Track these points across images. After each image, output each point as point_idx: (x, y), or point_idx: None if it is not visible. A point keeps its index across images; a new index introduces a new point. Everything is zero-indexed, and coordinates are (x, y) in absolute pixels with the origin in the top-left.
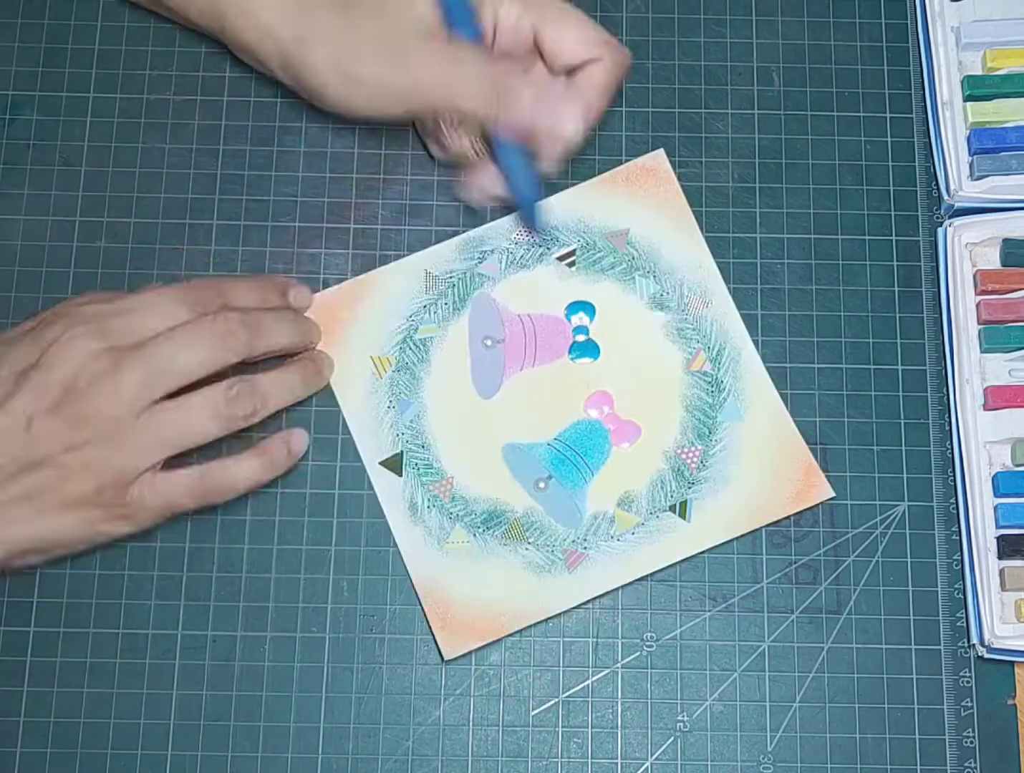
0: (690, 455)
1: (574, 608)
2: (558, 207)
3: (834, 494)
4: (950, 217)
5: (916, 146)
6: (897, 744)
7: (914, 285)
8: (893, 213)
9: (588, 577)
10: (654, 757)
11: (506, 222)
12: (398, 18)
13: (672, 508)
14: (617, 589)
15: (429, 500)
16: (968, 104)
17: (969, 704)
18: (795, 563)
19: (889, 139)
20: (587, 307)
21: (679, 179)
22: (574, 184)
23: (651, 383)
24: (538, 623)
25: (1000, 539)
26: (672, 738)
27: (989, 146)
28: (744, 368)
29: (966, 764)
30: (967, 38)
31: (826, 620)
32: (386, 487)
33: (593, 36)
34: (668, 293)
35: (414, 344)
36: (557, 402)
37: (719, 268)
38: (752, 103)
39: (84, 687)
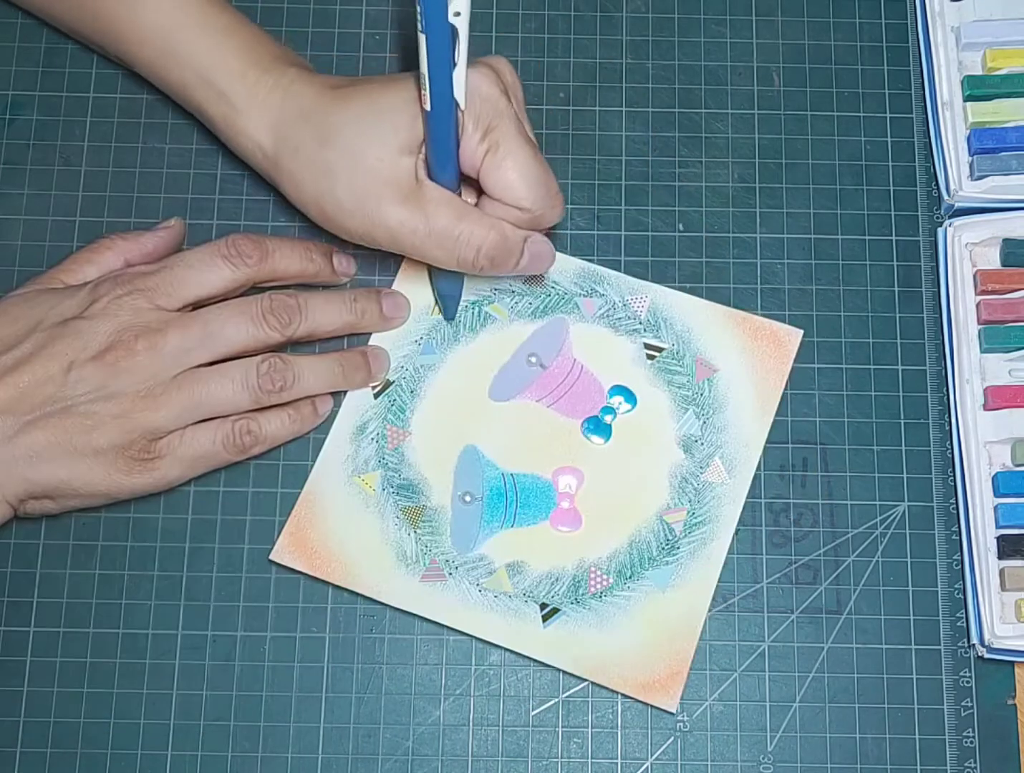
0: (596, 580)
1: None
2: (686, 304)
3: (674, 712)
4: (950, 217)
5: (916, 146)
6: (897, 744)
7: (914, 285)
8: (893, 213)
9: (432, 597)
10: (654, 757)
11: (634, 281)
12: (369, 169)
13: (543, 606)
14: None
15: (377, 435)
16: (968, 104)
17: (969, 704)
18: (795, 563)
19: (889, 139)
20: (630, 398)
21: (678, 179)
22: (710, 291)
23: (622, 500)
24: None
25: (1000, 539)
26: (672, 738)
27: (989, 146)
28: (707, 553)
29: (966, 764)
30: (967, 38)
31: (826, 620)
32: (351, 403)
33: (534, 179)
34: (702, 445)
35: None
36: (539, 448)
37: (719, 267)
38: (752, 103)
39: (84, 687)
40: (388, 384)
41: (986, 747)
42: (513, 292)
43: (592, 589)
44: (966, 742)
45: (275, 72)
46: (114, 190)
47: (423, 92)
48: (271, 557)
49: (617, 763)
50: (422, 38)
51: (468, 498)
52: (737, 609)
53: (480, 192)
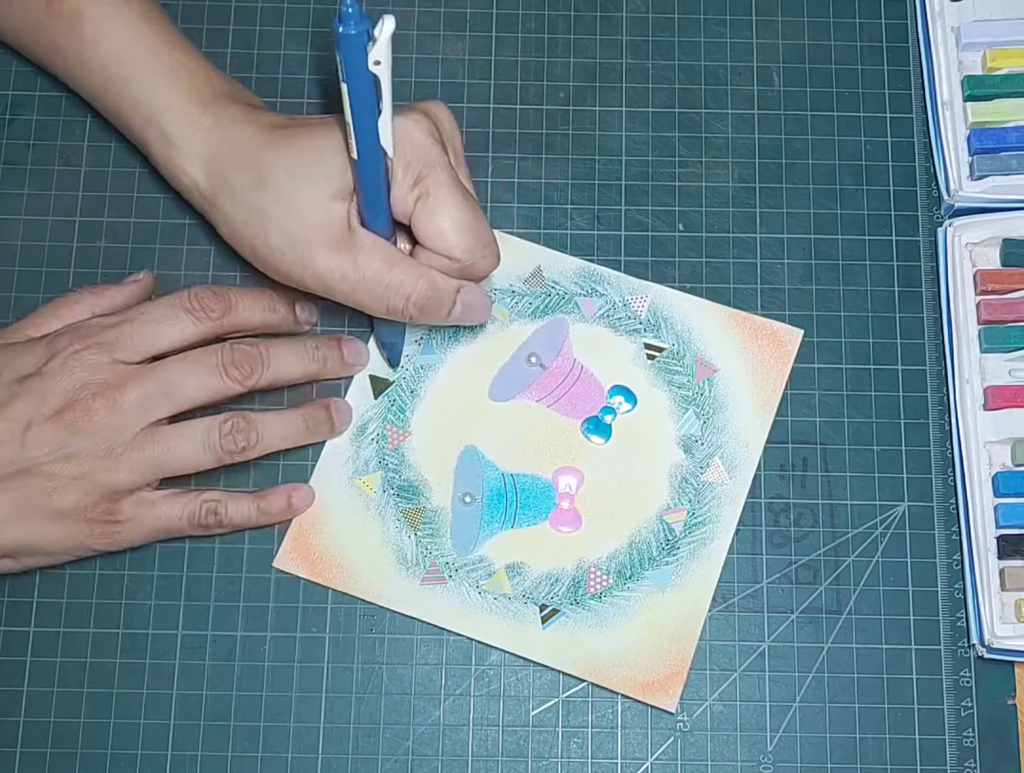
0: (596, 581)
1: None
2: (686, 304)
3: (673, 712)
4: (950, 217)
5: (916, 146)
6: (897, 744)
7: (914, 285)
8: (893, 213)
9: (432, 600)
10: (654, 757)
11: (634, 281)
12: (300, 213)
13: (542, 608)
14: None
15: (377, 435)
16: (968, 104)
17: (969, 704)
18: (795, 563)
19: (889, 139)
20: (630, 397)
21: (678, 179)
22: (710, 291)
23: (622, 499)
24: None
25: (1000, 539)
26: (672, 738)
27: (989, 146)
28: (707, 553)
29: (966, 764)
30: (967, 38)
31: (826, 620)
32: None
33: (464, 227)
34: (702, 445)
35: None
36: (539, 448)
37: (719, 267)
38: (752, 103)
39: (84, 687)
40: (388, 384)
41: (986, 747)
42: (513, 292)
43: (592, 590)
44: (966, 742)
45: (215, 110)
46: (114, 190)
47: (349, 141)
48: (275, 564)
49: (617, 763)
50: (344, 87)
51: (468, 499)
52: (737, 609)
53: (415, 240)
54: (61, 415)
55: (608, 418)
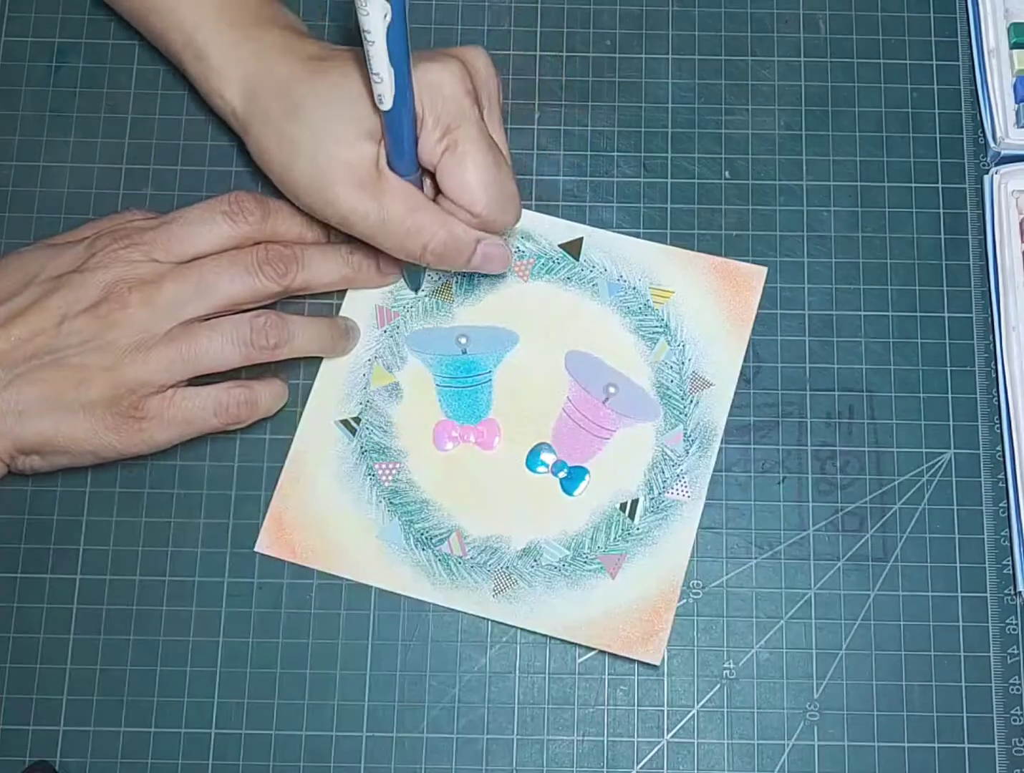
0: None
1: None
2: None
3: (657, 664)
4: (996, 164)
5: (962, 94)
6: (943, 691)
7: (960, 233)
8: (939, 161)
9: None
10: (700, 704)
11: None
12: (330, 150)
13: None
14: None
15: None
16: (1015, 52)
17: (1015, 652)
18: (841, 510)
19: (935, 87)
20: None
21: (724, 126)
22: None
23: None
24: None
25: None
26: (718, 686)
27: None
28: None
29: (1012, 711)
30: None
31: (872, 568)
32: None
33: (489, 182)
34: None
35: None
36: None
37: (765, 215)
38: (798, 51)
39: (130, 635)
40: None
41: None
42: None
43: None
44: (1012, 689)
45: (254, 35)
46: (160, 137)
47: (375, 89)
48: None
49: (663, 710)
50: (367, 39)
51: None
52: (784, 556)
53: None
54: (96, 307)
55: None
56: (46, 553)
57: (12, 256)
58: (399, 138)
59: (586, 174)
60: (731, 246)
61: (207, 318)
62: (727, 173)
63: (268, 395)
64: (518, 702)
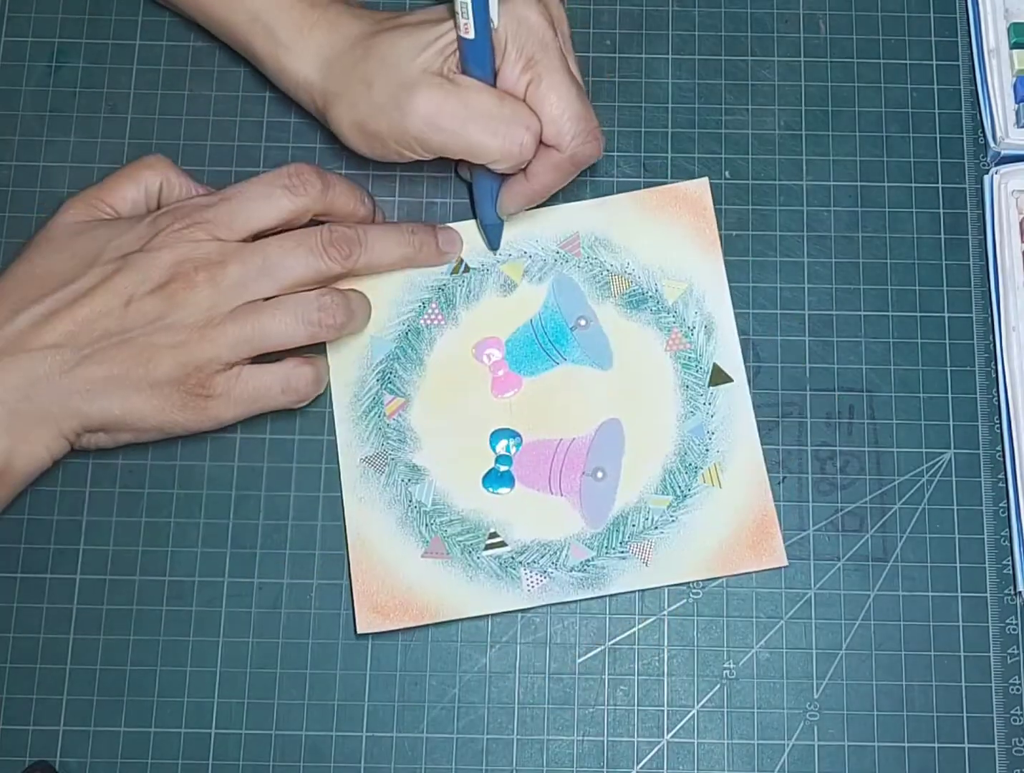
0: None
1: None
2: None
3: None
4: (996, 164)
5: (962, 93)
6: (943, 691)
7: (960, 232)
8: (939, 160)
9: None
10: (700, 704)
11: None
12: (404, 67)
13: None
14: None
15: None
16: (1015, 51)
17: (1015, 652)
18: (841, 511)
19: (935, 86)
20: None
21: (724, 126)
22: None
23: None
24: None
25: None
26: (718, 686)
27: None
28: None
29: (1012, 711)
30: None
31: (872, 568)
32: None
33: (575, 114)
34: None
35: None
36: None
37: (765, 215)
38: (798, 50)
39: (130, 634)
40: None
41: None
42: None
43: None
44: (1012, 689)
45: (320, 7)
46: (160, 138)
47: (463, 21)
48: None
49: (663, 710)
50: None
51: (584, 322)
52: (784, 555)
53: None
54: (163, 288)
55: (504, 467)
56: (46, 553)
57: (63, 229)
58: (482, 67)
59: (586, 174)
60: (731, 246)
61: (272, 298)
62: (727, 173)
63: (327, 371)
64: (518, 702)
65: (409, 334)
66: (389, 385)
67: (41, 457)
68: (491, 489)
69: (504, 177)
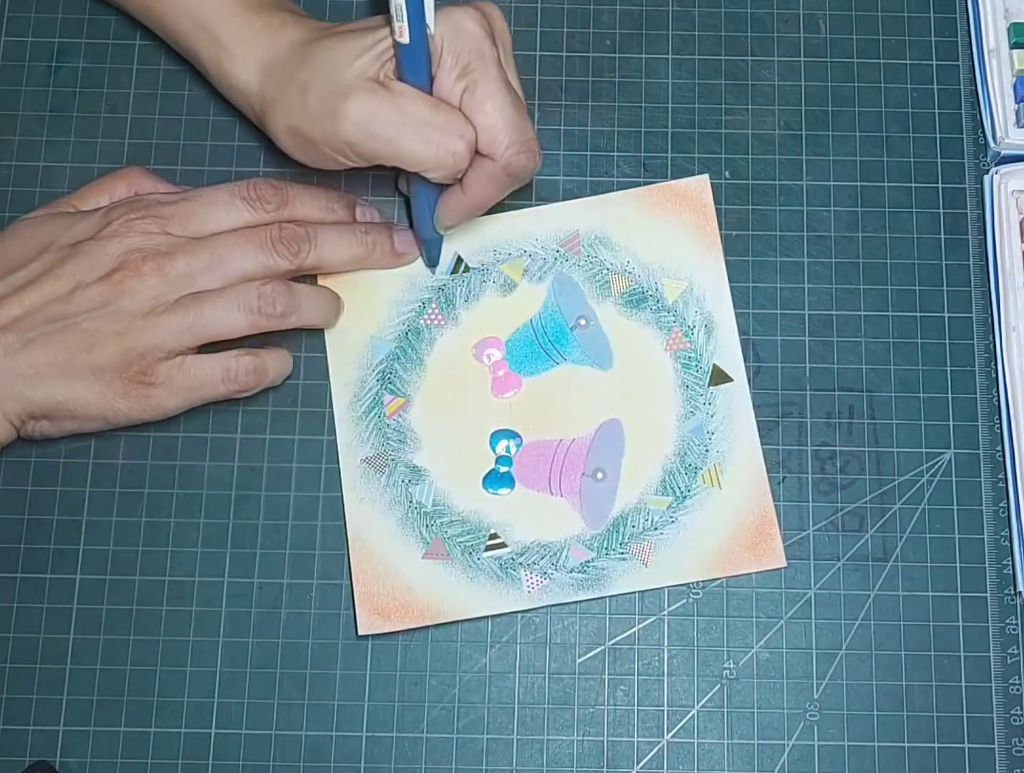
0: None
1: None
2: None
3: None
4: (996, 164)
5: (962, 94)
6: (943, 691)
7: (960, 233)
8: (939, 160)
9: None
10: (700, 704)
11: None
12: (339, 73)
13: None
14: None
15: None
16: (1014, 51)
17: (1015, 652)
18: (841, 511)
19: (935, 87)
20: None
21: (724, 126)
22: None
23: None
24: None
25: None
26: (718, 686)
27: None
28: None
29: (1012, 711)
30: None
31: (872, 568)
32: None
33: (509, 123)
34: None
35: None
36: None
37: (765, 215)
38: (798, 50)
39: (130, 635)
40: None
41: None
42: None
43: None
44: (1012, 689)
45: (265, 16)
46: (160, 138)
47: (398, 24)
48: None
49: (663, 710)
50: None
51: (584, 322)
52: (784, 556)
53: None
54: (110, 276)
55: (504, 468)
56: (46, 553)
57: (25, 222)
58: (418, 73)
59: (586, 174)
60: (731, 246)
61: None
62: (727, 173)
63: (275, 364)
64: (518, 702)
65: (409, 334)
66: (389, 385)
67: None
68: (491, 490)
69: (441, 190)
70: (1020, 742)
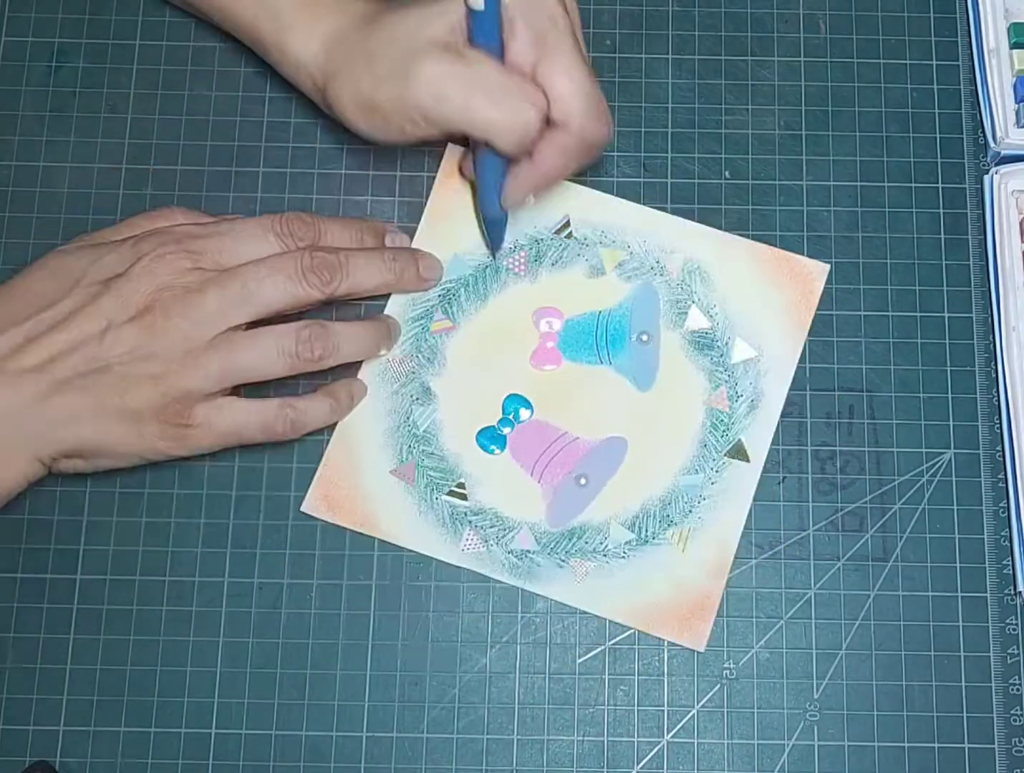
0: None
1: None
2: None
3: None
4: (996, 164)
5: (962, 94)
6: (943, 691)
7: (960, 233)
8: (939, 160)
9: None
10: (700, 705)
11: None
12: (410, 39)
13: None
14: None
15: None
16: (1014, 51)
17: (1015, 651)
18: (842, 510)
19: (935, 87)
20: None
21: (724, 126)
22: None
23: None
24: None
25: None
26: (718, 686)
27: None
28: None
29: (1012, 711)
30: None
31: (872, 568)
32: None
33: (584, 91)
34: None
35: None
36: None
37: (765, 215)
38: (798, 50)
39: (131, 635)
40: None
41: None
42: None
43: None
44: (1012, 689)
45: None
46: (160, 138)
47: None
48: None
49: (663, 710)
50: None
51: (645, 338)
52: (784, 556)
53: None
54: (141, 316)
55: (505, 430)
56: (46, 553)
57: (54, 256)
58: (490, 40)
59: (586, 174)
60: None
61: (253, 324)
62: (727, 173)
63: (315, 415)
64: (518, 702)
65: (488, 269)
66: (446, 305)
67: (16, 480)
68: (482, 444)
69: (507, 166)
70: (1020, 742)
